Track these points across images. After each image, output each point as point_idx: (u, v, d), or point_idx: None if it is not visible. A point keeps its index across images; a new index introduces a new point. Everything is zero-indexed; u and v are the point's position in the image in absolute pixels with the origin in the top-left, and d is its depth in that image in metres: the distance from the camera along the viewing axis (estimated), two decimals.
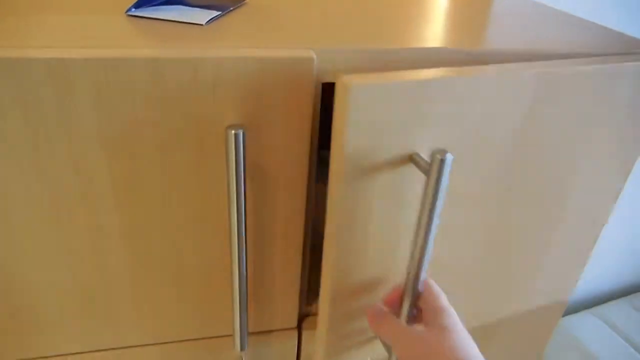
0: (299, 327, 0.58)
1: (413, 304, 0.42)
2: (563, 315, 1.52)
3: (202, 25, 0.45)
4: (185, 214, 0.45)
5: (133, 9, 0.47)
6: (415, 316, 0.44)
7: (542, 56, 0.47)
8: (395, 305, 0.45)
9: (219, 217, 0.46)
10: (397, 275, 0.47)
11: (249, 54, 0.38)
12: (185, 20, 0.45)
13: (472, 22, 0.55)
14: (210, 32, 0.43)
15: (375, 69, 0.44)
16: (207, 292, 0.51)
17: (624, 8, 1.12)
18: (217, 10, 0.48)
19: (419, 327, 0.43)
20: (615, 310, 1.52)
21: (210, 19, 0.46)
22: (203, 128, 0.41)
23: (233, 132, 0.38)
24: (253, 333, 0.56)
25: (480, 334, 0.65)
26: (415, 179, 0.41)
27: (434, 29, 0.50)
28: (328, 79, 0.43)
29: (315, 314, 0.59)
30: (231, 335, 0.54)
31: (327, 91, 0.46)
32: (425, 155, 0.39)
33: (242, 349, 0.51)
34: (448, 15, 0.58)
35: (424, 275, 0.41)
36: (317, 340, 0.49)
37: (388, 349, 0.46)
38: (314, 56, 0.40)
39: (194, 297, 0.51)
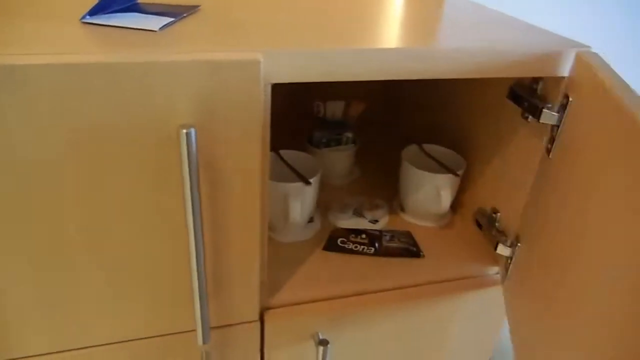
0: (261, 320, 0.60)
1: None
2: None
3: (155, 31, 0.47)
4: (145, 212, 0.47)
5: (88, 17, 0.49)
6: None
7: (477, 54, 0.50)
8: None
9: (178, 214, 0.48)
10: None
11: (198, 58, 0.41)
12: (139, 27, 0.47)
13: (422, 25, 0.58)
14: (163, 38, 0.45)
15: (323, 70, 0.46)
16: (170, 289, 0.53)
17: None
18: (171, 17, 0.51)
19: None
20: None
21: (164, 25, 0.48)
22: (158, 129, 0.43)
23: (184, 131, 0.40)
24: (216, 327, 0.58)
25: None
26: None
27: (384, 31, 0.53)
28: (277, 80, 0.46)
29: (276, 307, 0.62)
30: (195, 330, 0.56)
31: (277, 91, 0.48)
32: None
33: (204, 342, 0.52)
34: (398, 18, 0.61)
35: None
36: None
37: None
38: (261, 59, 0.42)
39: (157, 294, 0.53)
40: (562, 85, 0.55)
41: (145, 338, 0.56)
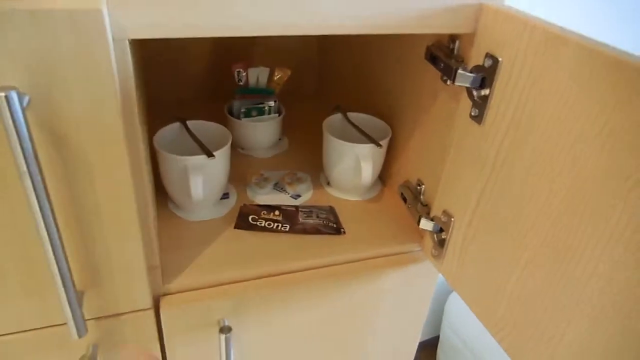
0: (156, 307, 0.55)
1: None
2: None
3: None
4: None
5: None
6: None
7: None
8: None
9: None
10: None
11: (19, 7, 0.34)
12: None
13: None
14: None
15: (187, 23, 0.40)
16: (36, 280, 0.47)
17: None
18: None
19: None
20: None
21: None
22: None
23: (2, 94, 0.33)
24: (100, 317, 0.52)
25: None
26: None
27: None
28: (135, 34, 0.39)
29: (176, 292, 0.56)
30: None
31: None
32: None
33: (79, 335, 0.47)
34: None
35: None
36: None
37: None
38: (103, 8, 0.36)
39: (22, 286, 0.47)
40: (478, 43, 0.50)
41: (20, 332, 0.50)
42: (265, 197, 0.71)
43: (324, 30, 0.45)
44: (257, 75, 0.80)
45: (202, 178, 0.59)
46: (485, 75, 0.49)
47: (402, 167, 0.72)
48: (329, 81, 0.99)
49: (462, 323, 1.43)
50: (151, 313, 0.54)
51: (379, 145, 0.67)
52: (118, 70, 0.40)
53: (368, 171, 0.66)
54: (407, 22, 0.46)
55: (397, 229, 0.68)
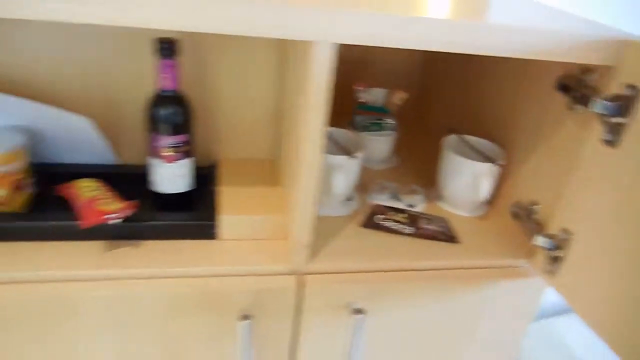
0: (300, 283, 0.62)
1: None
2: (549, 317, 1.55)
3: None
4: None
5: None
6: None
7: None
8: None
9: None
10: None
11: None
12: None
13: (472, 5, 0.60)
14: None
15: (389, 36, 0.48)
16: None
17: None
18: None
19: None
20: None
21: None
22: None
23: None
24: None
25: None
26: None
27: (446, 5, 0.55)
28: (342, 39, 0.47)
29: (316, 273, 0.63)
30: None
31: None
32: None
33: None
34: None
35: None
36: None
37: None
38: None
39: None
40: (619, 74, 0.56)
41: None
42: (384, 203, 0.77)
43: (479, 50, 0.52)
44: (376, 95, 0.89)
45: (344, 176, 0.66)
46: (623, 104, 0.55)
47: (512, 189, 0.77)
48: (430, 102, 1.07)
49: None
50: (295, 287, 0.61)
51: (498, 164, 0.73)
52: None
53: (486, 188, 0.72)
54: (554, 50, 0.53)
55: (505, 245, 0.73)
